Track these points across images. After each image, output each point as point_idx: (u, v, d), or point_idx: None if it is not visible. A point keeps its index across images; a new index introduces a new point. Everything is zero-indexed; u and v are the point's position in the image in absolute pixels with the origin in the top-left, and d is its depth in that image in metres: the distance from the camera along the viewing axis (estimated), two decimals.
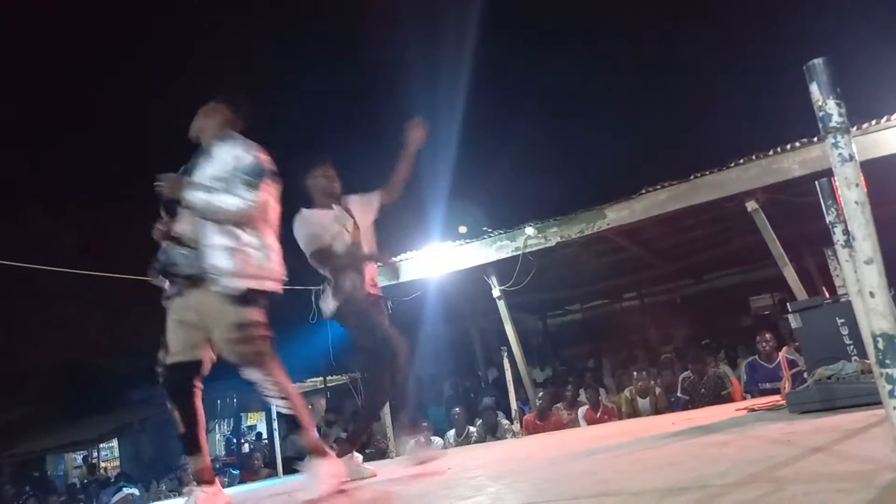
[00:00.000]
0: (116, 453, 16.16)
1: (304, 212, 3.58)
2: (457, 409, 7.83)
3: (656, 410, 6.67)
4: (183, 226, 2.85)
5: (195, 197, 2.70)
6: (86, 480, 13.21)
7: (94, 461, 15.57)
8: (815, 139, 5.75)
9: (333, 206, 3.57)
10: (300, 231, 3.54)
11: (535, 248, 7.25)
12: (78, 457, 16.22)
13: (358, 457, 3.57)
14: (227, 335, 2.68)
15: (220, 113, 2.94)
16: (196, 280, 2.74)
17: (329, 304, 3.55)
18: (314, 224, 3.53)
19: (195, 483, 2.85)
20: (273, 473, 8.36)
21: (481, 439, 7.18)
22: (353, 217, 3.57)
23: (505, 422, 7.21)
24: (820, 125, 1.38)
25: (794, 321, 3.38)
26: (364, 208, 3.64)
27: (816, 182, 2.07)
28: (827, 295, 4.53)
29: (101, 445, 16.12)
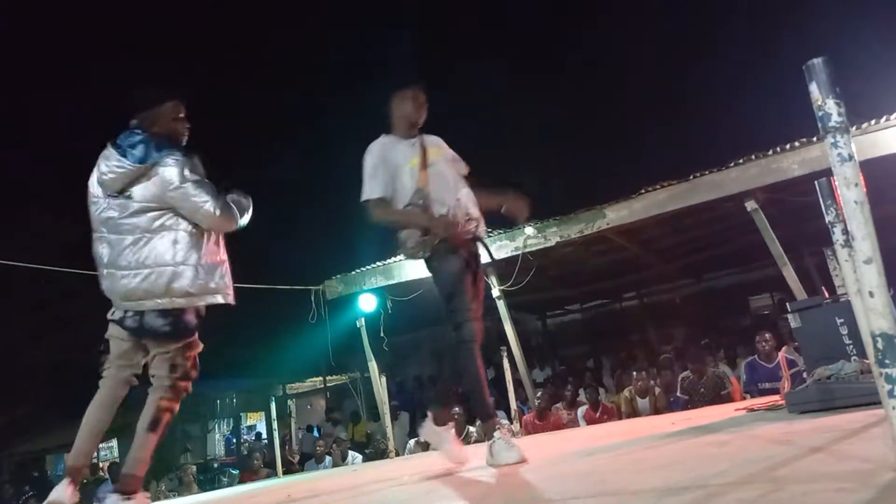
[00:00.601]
0: (116, 453, 16.15)
1: (373, 143, 3.06)
2: (456, 408, 7.83)
3: (656, 410, 6.67)
4: None
5: None
6: (85, 480, 13.20)
7: (94, 461, 15.57)
8: (815, 139, 5.76)
9: (410, 137, 3.06)
10: (364, 164, 3.01)
11: (534, 248, 7.25)
12: None
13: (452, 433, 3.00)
14: None
15: None
16: None
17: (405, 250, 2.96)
18: (375, 156, 2.99)
19: None
20: (272, 473, 8.36)
21: (481, 439, 7.17)
22: (425, 154, 3.01)
23: (504, 422, 7.20)
24: (819, 125, 1.38)
25: (793, 321, 3.38)
26: (448, 153, 3.15)
27: (816, 182, 2.07)
28: (826, 295, 4.53)
29: (101, 445, 16.10)
